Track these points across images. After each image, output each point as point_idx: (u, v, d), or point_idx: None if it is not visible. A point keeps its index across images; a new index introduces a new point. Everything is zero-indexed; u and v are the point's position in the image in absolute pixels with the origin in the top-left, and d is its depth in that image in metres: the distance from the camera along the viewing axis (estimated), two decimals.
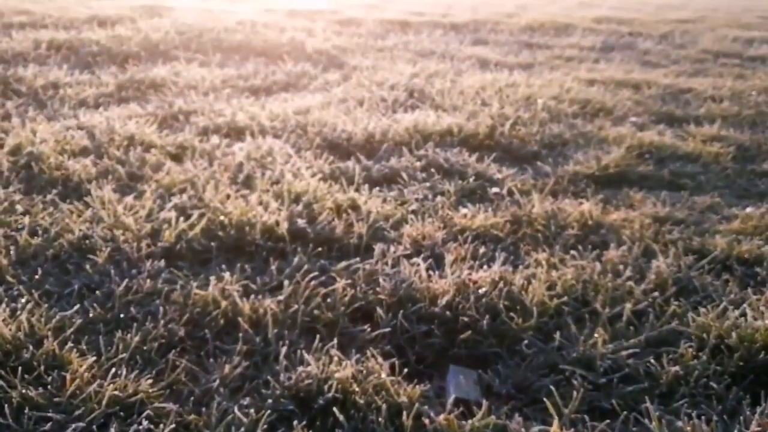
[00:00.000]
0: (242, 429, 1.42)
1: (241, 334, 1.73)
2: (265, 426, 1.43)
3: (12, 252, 2.07)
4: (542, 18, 8.73)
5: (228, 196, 2.52)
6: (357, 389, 1.53)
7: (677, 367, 1.67)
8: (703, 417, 1.51)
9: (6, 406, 1.44)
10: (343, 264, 2.09)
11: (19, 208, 2.37)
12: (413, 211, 2.58)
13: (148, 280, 1.94)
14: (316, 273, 2.00)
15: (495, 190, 2.86)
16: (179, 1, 8.68)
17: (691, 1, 14.47)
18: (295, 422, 1.45)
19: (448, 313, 1.85)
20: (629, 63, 6.24)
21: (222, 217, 2.32)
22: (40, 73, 4.36)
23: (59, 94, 3.97)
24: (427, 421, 1.48)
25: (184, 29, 6.10)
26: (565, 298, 1.96)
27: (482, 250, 2.26)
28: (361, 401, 1.51)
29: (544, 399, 1.56)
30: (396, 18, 7.93)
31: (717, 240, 2.47)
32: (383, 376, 1.58)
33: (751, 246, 2.42)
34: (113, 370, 1.56)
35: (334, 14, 8.02)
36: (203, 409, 1.49)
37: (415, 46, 6.35)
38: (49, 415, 1.43)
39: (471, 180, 2.94)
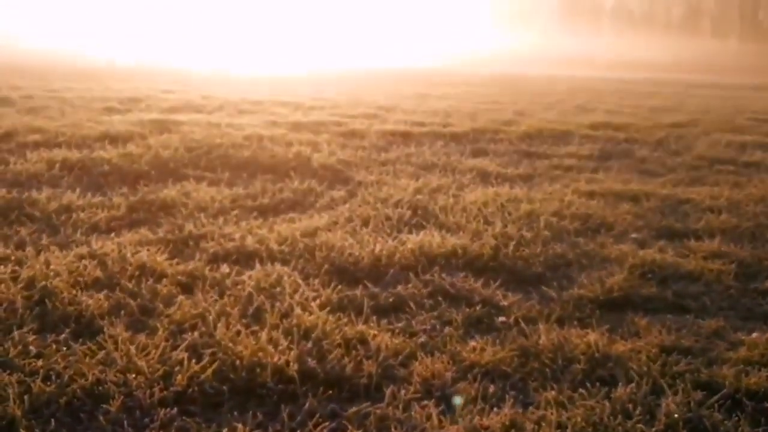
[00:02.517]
0: None
1: None
2: None
3: (26, 400, 2.09)
4: (540, 125, 8.99)
5: (238, 333, 2.55)
6: None
7: None
8: None
9: None
10: (354, 409, 2.10)
11: (33, 349, 2.40)
12: (422, 344, 2.61)
13: (161, 431, 1.95)
14: (327, 421, 2.01)
15: (502, 318, 2.89)
16: (186, 114, 8.99)
17: (683, 103, 14.92)
18: None
19: None
20: (627, 172, 6.39)
21: (233, 357, 2.35)
22: (54, 196, 4.47)
23: (72, 218, 4.07)
24: None
25: (193, 145, 6.30)
26: None
27: (491, 388, 2.28)
28: None
29: None
30: (397, 129, 8.18)
31: (725, 371, 2.48)
32: None
33: (759, 378, 2.43)
34: None
35: (337, 126, 8.27)
36: None
37: (417, 158, 6.53)
38: None
39: (477, 308, 2.98)
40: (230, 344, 2.44)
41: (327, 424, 1.99)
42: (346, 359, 2.42)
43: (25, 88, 12.65)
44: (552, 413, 2.09)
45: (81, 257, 3.35)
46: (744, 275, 3.65)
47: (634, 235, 4.26)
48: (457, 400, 2.05)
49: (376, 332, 2.65)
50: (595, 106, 13.12)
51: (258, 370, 2.30)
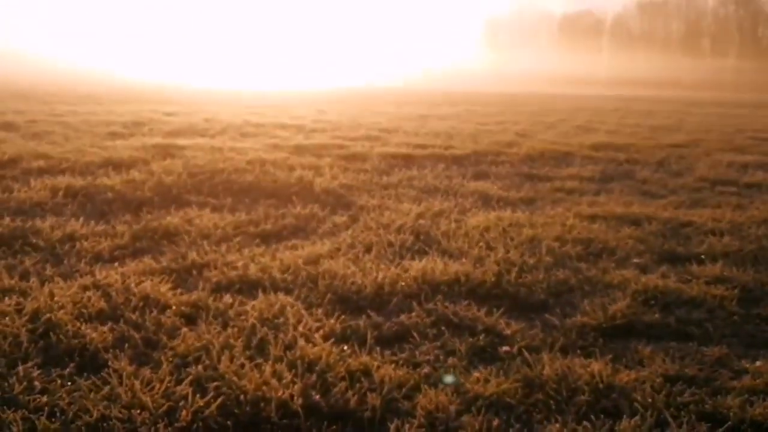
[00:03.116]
0: None
1: None
2: None
3: None
4: (541, 147, 9.04)
5: (242, 366, 2.56)
6: None
7: None
8: None
9: None
10: None
11: (37, 385, 2.41)
12: (426, 375, 2.61)
13: None
14: None
15: (505, 348, 2.89)
16: (189, 138, 9.04)
17: (684, 122, 14.99)
18: None
19: None
20: (629, 194, 6.41)
21: (237, 392, 2.35)
22: (57, 225, 4.49)
23: (75, 247, 4.08)
24: None
25: (195, 171, 6.33)
26: None
27: (496, 421, 2.28)
28: None
29: None
30: (399, 152, 8.22)
31: (729, 401, 2.48)
32: None
33: (764, 408, 2.43)
34: None
35: (339, 149, 8.31)
36: None
37: (419, 182, 6.55)
38: None
39: (481, 337, 2.98)
40: (234, 378, 2.44)
41: None
42: (350, 392, 2.42)
43: (29, 112, 12.75)
44: None
45: (85, 288, 3.36)
46: (747, 300, 3.64)
47: (636, 260, 4.26)
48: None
49: (379, 363, 2.65)
50: (595, 126, 13.18)
51: (262, 404, 2.30)
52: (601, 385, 2.57)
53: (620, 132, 12.10)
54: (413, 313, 3.21)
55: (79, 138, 8.85)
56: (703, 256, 4.36)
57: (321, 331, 2.93)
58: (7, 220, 4.52)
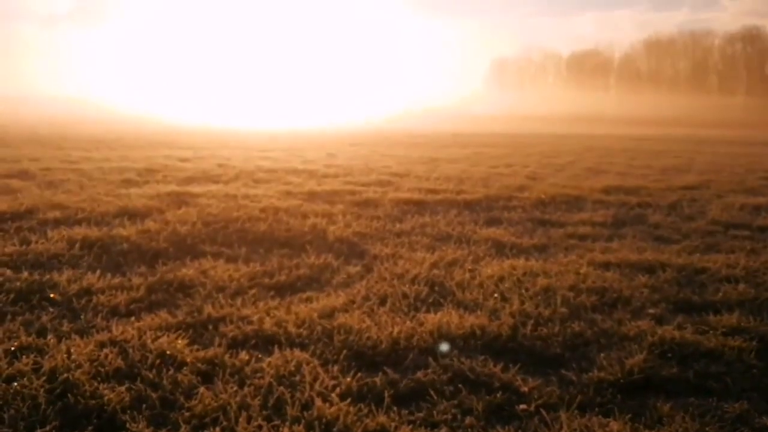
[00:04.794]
0: None
1: None
2: None
3: None
4: (552, 190, 9.06)
5: (260, 427, 2.56)
6: None
7: None
8: None
9: None
10: None
11: None
12: None
13: None
14: None
15: (523, 406, 2.88)
16: (203, 185, 9.12)
17: (694, 161, 15.00)
18: None
19: None
20: (641, 239, 6.40)
21: None
22: (74, 278, 4.53)
23: (92, 302, 4.10)
24: None
25: (210, 220, 6.39)
26: None
27: None
28: None
29: None
30: (411, 197, 8.26)
31: None
32: None
33: None
34: None
35: (351, 195, 8.36)
36: None
37: (432, 229, 6.57)
38: None
39: (498, 395, 2.97)
40: None
41: None
42: None
43: (44, 159, 12.93)
44: None
45: (102, 345, 3.37)
46: (765, 352, 3.61)
47: (651, 310, 4.24)
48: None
49: (397, 424, 2.64)
50: (605, 167, 13.21)
51: None
52: None
53: (630, 174, 12.13)
54: (429, 370, 3.20)
55: (93, 186, 8.94)
56: (719, 305, 4.34)
57: (338, 390, 2.93)
58: (25, 273, 4.56)
